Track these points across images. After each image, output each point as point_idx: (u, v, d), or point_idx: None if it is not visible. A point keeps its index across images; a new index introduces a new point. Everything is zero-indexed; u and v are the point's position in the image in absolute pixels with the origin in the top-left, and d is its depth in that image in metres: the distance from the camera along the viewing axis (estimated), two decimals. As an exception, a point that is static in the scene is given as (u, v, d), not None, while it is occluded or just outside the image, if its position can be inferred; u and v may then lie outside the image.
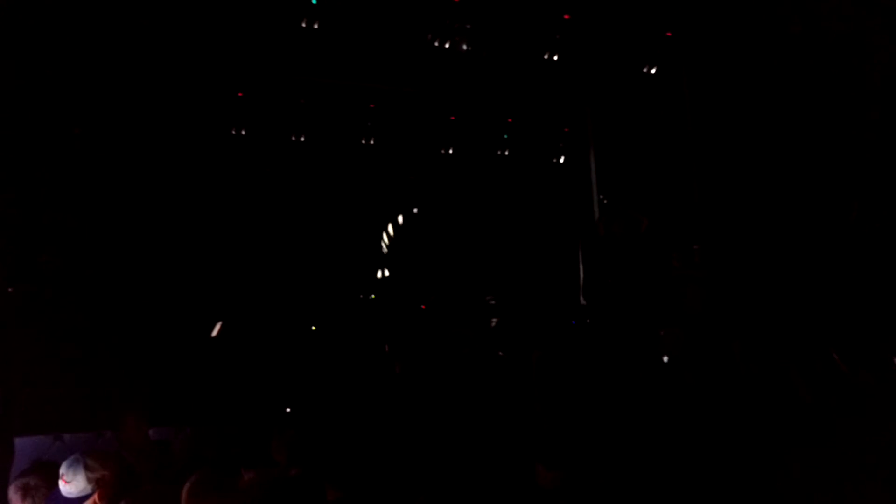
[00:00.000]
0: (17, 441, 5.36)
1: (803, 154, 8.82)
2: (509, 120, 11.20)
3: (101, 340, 7.02)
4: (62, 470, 3.55)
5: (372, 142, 10.70)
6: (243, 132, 9.99)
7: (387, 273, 9.96)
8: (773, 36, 8.37)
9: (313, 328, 8.84)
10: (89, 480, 3.53)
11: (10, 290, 7.31)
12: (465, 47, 8.53)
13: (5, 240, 7.25)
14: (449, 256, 11.51)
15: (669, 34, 8.84)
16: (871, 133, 8.31)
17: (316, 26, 7.84)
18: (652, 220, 10.39)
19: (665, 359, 8.06)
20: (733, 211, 9.51)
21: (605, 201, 11.72)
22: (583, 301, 11.25)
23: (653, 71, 9.09)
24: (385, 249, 11.21)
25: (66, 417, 5.63)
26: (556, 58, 8.72)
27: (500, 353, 9.37)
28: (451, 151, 11.19)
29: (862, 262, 8.13)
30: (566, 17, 8.47)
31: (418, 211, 11.71)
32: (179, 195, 9.27)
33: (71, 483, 3.50)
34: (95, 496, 3.52)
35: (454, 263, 11.23)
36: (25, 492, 3.73)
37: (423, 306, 9.44)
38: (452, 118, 10.92)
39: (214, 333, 7.84)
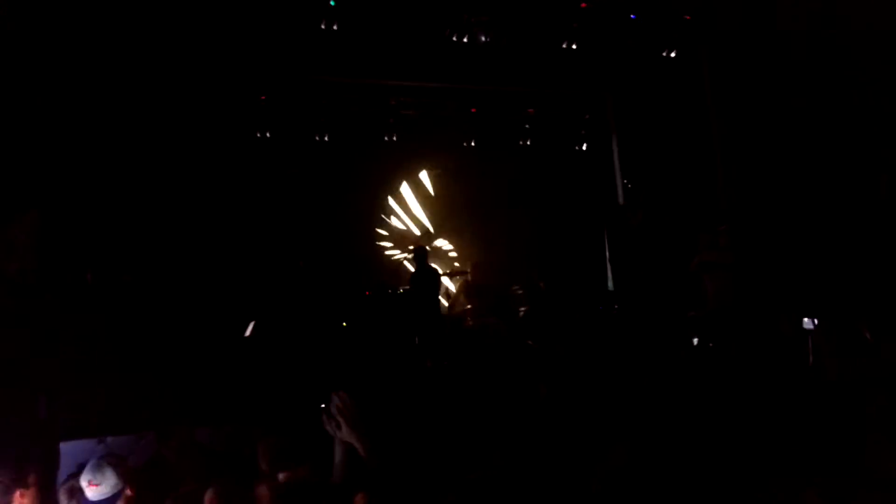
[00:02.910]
0: (62, 446, 5.52)
1: (826, 132, 8.75)
2: (530, 111, 11.20)
3: (139, 344, 7.17)
4: (87, 476, 3.61)
5: (395, 138, 10.78)
6: (268, 134, 10.11)
7: (412, 268, 10.03)
8: (791, 17, 8.30)
9: (344, 324, 8.94)
10: (119, 476, 3.63)
11: (48, 296, 7.48)
12: (483, 39, 8.57)
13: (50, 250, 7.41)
14: (473, 248, 11.56)
15: (688, 17, 8.79)
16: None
17: (335, 27, 7.92)
18: (677, 204, 10.39)
19: (695, 341, 8.07)
20: (757, 193, 9.46)
21: (630, 186, 11.70)
22: (610, 287, 11.28)
23: (672, 55, 9.04)
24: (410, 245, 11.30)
25: (108, 421, 5.76)
26: (574, 46, 8.72)
27: (530, 343, 9.39)
28: (473, 144, 11.23)
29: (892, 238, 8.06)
30: (583, 5, 8.47)
31: (443, 203, 11.77)
32: (208, 199, 9.41)
33: (101, 484, 3.59)
34: (128, 490, 3.61)
35: (477, 255, 11.28)
36: (72, 494, 3.85)
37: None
38: (473, 110, 10.96)
39: (248, 333, 7.97)
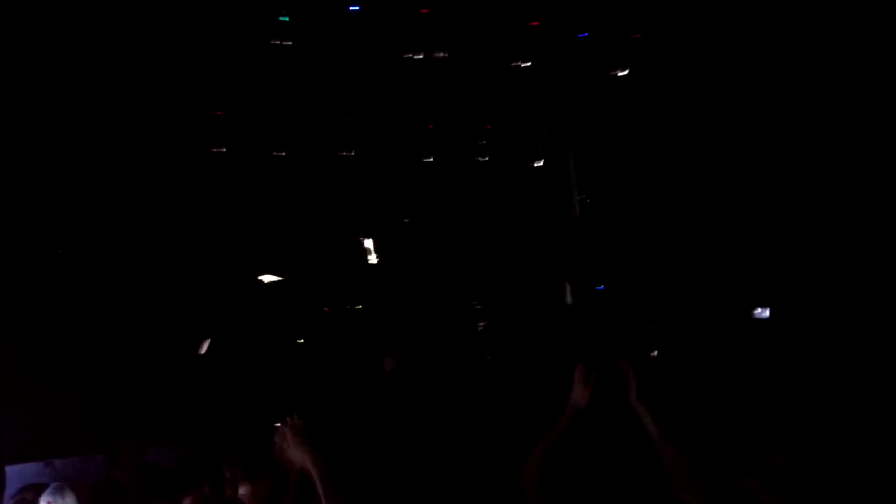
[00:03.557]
0: (8, 469, 5.41)
1: (779, 148, 8.94)
2: (487, 126, 11.29)
3: (87, 361, 7.05)
4: (47, 499, 3.58)
5: (353, 153, 10.77)
6: (224, 149, 10.04)
7: (373, 283, 10.02)
8: (741, 36, 8.49)
9: (300, 341, 8.90)
10: (80, 501, 3.60)
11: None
12: (438, 55, 8.65)
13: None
14: (434, 263, 11.58)
15: (637, 36, 8.96)
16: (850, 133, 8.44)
17: (289, 43, 7.92)
18: (636, 219, 10.54)
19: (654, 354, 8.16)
20: (713, 207, 9.63)
21: (588, 201, 11.83)
22: (568, 301, 11.38)
23: (623, 73, 9.20)
24: (370, 259, 11.27)
25: (56, 443, 5.67)
26: (527, 64, 8.83)
27: (488, 357, 9.44)
28: (431, 159, 11.26)
29: (844, 257, 8.23)
30: (534, 23, 8.60)
31: (401, 220, 11.77)
32: (162, 212, 9.31)
33: None
34: None
35: (439, 270, 11.29)
36: None
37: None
38: (430, 126, 11.00)
39: (202, 351, 7.89)
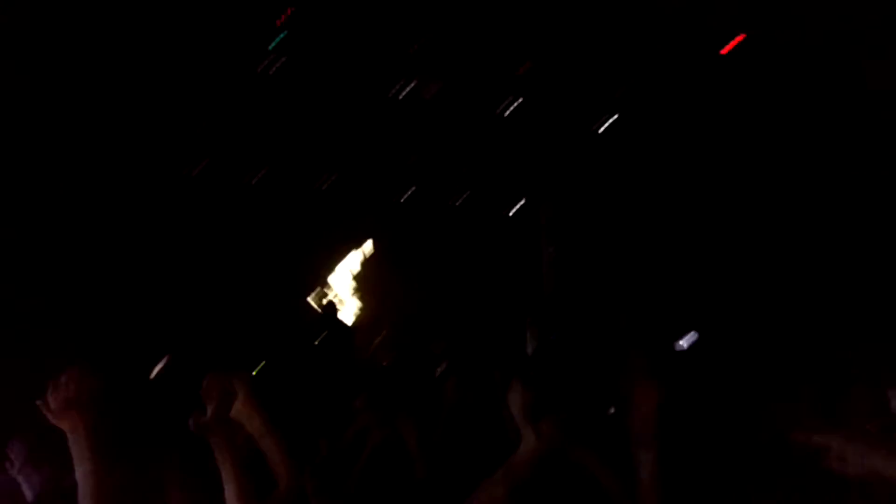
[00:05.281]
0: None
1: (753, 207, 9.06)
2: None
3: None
4: None
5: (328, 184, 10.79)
6: (196, 172, 9.99)
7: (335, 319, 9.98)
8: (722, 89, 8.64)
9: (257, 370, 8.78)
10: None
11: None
12: (423, 96, 8.74)
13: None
14: (399, 304, 11.56)
15: (618, 94, 9.13)
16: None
17: (272, 71, 7.96)
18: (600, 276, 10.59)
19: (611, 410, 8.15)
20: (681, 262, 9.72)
21: (555, 253, 11.90)
22: (529, 351, 11.38)
23: (602, 129, 9.34)
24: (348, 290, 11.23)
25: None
26: (507, 113, 8.96)
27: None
28: (408, 195, 11.32)
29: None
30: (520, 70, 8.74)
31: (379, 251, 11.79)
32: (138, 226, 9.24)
33: None
34: None
35: (404, 311, 11.28)
36: None
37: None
38: (412, 159, 11.07)
39: (155, 373, 7.74)
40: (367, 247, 11.75)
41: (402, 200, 11.20)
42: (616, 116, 9.33)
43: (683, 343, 8.52)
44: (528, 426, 2.69)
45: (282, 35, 7.88)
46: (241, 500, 2.53)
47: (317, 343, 9.81)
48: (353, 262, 11.73)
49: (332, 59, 8.27)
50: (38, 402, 2.47)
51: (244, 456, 2.85)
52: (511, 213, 11.97)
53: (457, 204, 11.54)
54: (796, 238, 8.44)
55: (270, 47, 7.79)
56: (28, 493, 4.22)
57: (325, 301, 11.17)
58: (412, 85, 8.56)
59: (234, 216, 10.50)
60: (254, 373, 8.97)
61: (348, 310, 10.69)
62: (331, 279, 11.70)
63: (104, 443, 2.49)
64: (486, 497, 2.68)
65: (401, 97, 8.56)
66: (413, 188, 11.24)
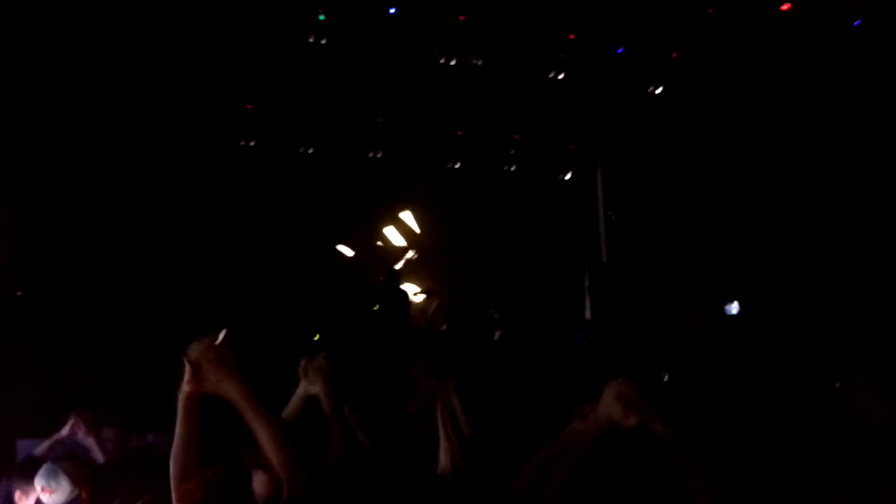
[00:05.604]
0: (21, 444, 5.46)
1: (808, 173, 8.85)
2: (516, 136, 11.27)
3: (107, 347, 7.11)
4: (41, 482, 3.55)
5: (380, 154, 10.80)
6: (252, 143, 10.11)
7: (392, 287, 10.03)
8: (775, 56, 8.42)
9: (316, 337, 8.92)
10: (73, 482, 3.58)
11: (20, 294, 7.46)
12: (473, 63, 8.64)
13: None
14: (456, 271, 11.57)
15: (675, 55, 8.90)
16: (875, 154, 8.36)
17: (324, 42, 7.96)
18: (661, 238, 10.49)
19: (665, 376, 8.09)
20: (737, 230, 9.55)
21: (613, 217, 11.78)
22: (588, 316, 11.32)
23: (658, 91, 9.13)
24: (391, 264, 11.28)
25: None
26: (561, 76, 8.81)
27: (503, 367, 9.39)
28: (458, 166, 11.26)
29: (867, 284, 8.15)
30: (571, 36, 8.56)
31: (423, 222, 11.78)
32: (182, 202, 9.41)
33: (56, 491, 3.54)
34: (83, 494, 3.57)
35: (461, 279, 11.29)
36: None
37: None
38: (460, 133, 11.01)
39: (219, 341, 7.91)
40: (421, 215, 11.75)
41: (457, 167, 11.15)
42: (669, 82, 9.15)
43: (732, 309, 8.45)
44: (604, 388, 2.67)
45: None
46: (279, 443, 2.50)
47: (376, 310, 9.90)
48: (409, 228, 11.76)
49: (381, 29, 8.25)
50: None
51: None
52: (566, 178, 11.84)
53: (511, 169, 11.44)
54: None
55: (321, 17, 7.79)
56: (98, 454, 4.37)
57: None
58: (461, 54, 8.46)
59: (292, 186, 10.65)
60: (315, 338, 9.14)
61: (406, 277, 10.74)
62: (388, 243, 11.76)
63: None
64: (560, 473, 2.68)
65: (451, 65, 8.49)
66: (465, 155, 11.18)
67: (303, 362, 3.53)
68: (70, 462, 3.77)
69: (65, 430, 4.53)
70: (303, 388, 3.49)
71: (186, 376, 2.39)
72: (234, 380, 2.43)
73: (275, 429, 2.49)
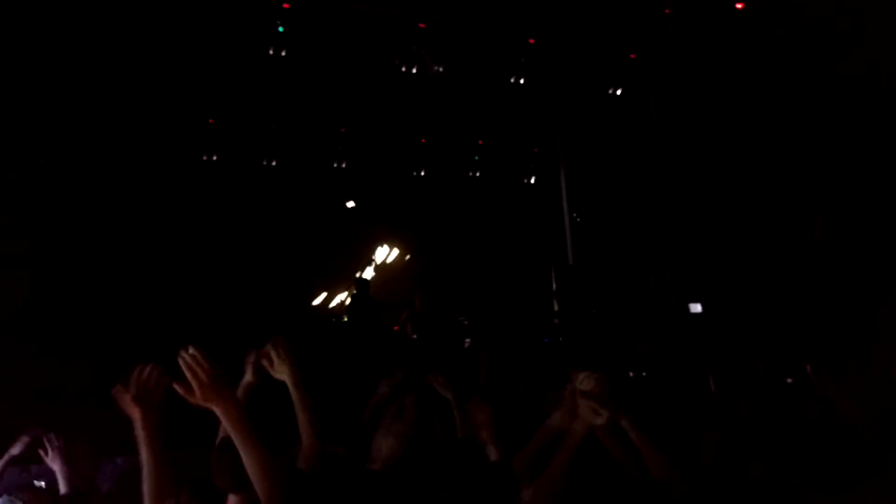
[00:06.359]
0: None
1: (768, 171, 8.99)
2: (479, 142, 11.31)
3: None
4: None
5: (344, 165, 10.77)
6: (215, 157, 10.02)
7: (361, 296, 9.98)
8: (735, 55, 8.54)
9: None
10: None
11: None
12: (435, 70, 8.64)
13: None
14: (422, 278, 11.55)
15: (633, 56, 8.99)
16: (836, 151, 8.51)
17: (284, 53, 7.92)
18: (625, 239, 10.57)
19: (631, 374, 8.16)
20: (701, 229, 9.66)
21: (579, 220, 11.85)
22: (556, 320, 11.36)
23: (618, 92, 9.22)
24: (358, 273, 11.25)
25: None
26: (522, 81, 8.85)
27: (474, 373, 9.37)
28: (422, 173, 11.27)
29: (828, 278, 8.29)
30: (531, 41, 8.61)
31: (392, 230, 11.78)
32: (145, 218, 9.30)
33: None
34: None
35: (427, 285, 11.27)
36: None
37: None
38: (423, 141, 11.02)
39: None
40: (388, 224, 11.74)
41: (422, 175, 11.15)
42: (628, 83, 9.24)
43: (696, 307, 8.53)
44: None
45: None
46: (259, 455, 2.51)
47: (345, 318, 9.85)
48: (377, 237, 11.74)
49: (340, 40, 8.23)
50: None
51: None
52: (531, 182, 11.91)
53: (476, 175, 11.47)
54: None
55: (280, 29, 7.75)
56: (62, 483, 4.26)
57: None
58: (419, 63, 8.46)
59: (253, 203, 10.57)
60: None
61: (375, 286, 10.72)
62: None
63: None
64: (553, 471, 2.79)
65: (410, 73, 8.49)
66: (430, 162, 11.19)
67: (252, 354, 3.48)
68: (30, 493, 3.67)
69: (15, 449, 4.41)
70: (247, 378, 3.49)
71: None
72: (225, 403, 2.47)
73: (262, 457, 2.50)
